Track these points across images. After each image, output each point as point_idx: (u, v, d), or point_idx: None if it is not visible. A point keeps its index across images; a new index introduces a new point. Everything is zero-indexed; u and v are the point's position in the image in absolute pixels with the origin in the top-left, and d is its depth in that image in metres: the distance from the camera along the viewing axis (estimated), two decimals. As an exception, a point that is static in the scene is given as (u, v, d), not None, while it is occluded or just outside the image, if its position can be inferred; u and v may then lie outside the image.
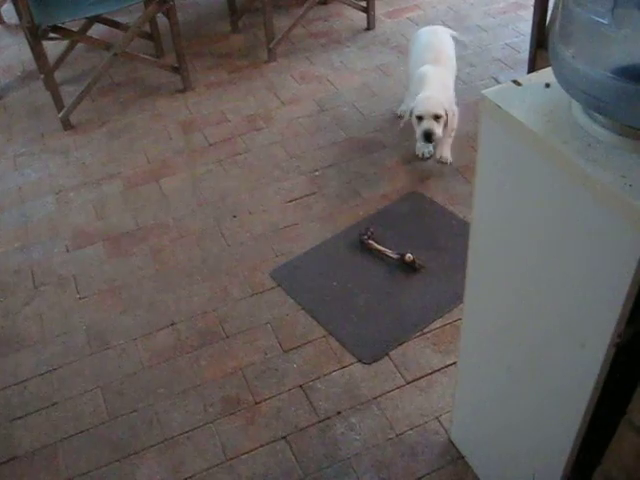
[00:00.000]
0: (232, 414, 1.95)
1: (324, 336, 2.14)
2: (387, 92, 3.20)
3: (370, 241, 2.38)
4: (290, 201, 2.65)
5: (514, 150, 1.10)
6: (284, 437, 1.89)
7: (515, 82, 1.12)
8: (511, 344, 1.39)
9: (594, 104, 0.99)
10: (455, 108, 2.67)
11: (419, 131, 2.59)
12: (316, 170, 2.78)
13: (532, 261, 1.20)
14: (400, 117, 2.88)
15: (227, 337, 2.17)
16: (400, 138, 2.89)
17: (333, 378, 2.02)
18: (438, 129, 2.56)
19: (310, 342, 2.13)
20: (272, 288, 2.31)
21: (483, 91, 1.11)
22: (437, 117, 2.55)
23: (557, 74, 1.04)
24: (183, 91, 3.33)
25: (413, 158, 2.78)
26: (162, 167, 2.89)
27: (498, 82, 3.08)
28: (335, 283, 2.29)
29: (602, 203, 0.95)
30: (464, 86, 3.15)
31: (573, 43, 0.99)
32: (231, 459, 1.85)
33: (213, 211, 2.64)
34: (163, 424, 1.95)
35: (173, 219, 2.62)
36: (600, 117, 1.00)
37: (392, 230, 2.45)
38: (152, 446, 1.90)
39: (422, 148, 2.74)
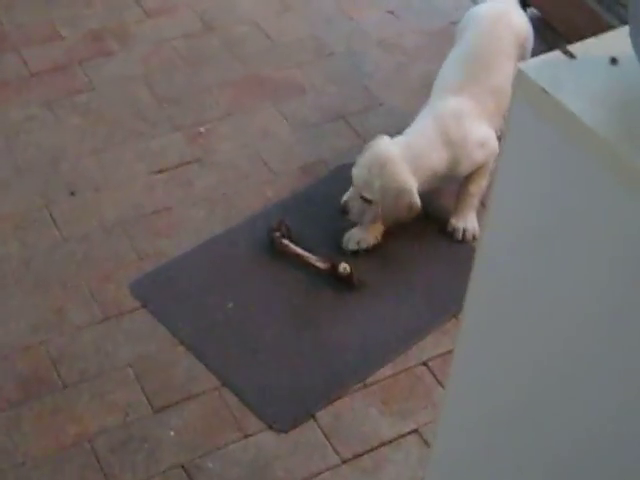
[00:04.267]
0: (75, 513, 1.90)
1: (216, 388, 2.11)
2: (309, 6, 3.18)
3: (285, 241, 2.36)
4: (160, 171, 2.61)
5: (563, 155, 1.09)
6: None
7: (566, 53, 1.10)
8: (517, 442, 1.39)
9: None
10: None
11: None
12: (200, 125, 2.74)
13: (572, 327, 1.19)
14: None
15: (65, 387, 2.10)
16: (326, 80, 2.89)
17: (231, 453, 2.00)
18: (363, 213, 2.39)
19: (194, 397, 2.09)
20: (134, 310, 2.26)
21: (520, 65, 1.08)
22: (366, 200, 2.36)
23: (637, 45, 1.02)
24: (-13, -15, 3.18)
25: (346, 111, 2.78)
26: (-47, 106, 2.76)
27: (475, 2, 3.10)
28: (231, 304, 2.27)
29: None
30: (427, 5, 3.22)
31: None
32: None
33: (39, 184, 2.55)
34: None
35: (-27, 192, 2.52)
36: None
37: (317, 225, 2.44)
38: None
39: (349, 236, 2.44)
